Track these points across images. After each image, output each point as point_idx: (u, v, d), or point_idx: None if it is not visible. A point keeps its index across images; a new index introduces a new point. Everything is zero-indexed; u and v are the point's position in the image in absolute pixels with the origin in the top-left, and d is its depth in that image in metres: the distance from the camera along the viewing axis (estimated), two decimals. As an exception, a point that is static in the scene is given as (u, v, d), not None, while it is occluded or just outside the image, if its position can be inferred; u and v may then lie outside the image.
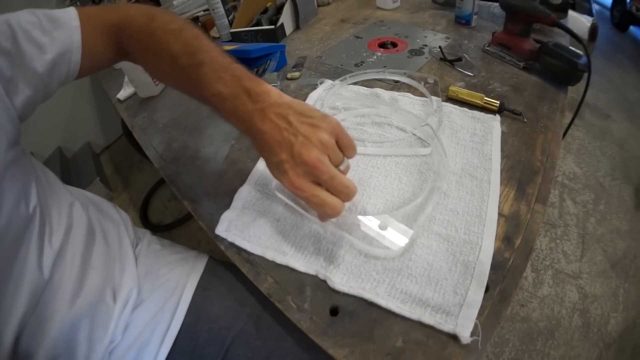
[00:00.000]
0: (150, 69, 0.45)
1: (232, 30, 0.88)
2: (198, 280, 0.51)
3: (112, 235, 0.52)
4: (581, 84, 0.62)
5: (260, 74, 0.68)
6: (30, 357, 0.39)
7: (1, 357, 0.37)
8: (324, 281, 0.38)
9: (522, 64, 0.67)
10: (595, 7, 2.25)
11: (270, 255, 0.41)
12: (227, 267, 0.54)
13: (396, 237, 0.39)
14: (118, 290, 0.47)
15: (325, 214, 0.34)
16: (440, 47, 0.73)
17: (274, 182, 0.42)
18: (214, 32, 0.96)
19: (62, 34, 0.39)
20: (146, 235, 0.57)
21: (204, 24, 0.94)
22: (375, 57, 0.77)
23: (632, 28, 2.86)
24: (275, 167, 0.34)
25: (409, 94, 0.63)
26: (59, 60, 0.39)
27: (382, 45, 0.82)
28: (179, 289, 0.50)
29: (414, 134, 0.55)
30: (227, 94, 0.35)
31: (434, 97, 0.60)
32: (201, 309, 0.49)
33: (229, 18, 0.90)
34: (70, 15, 0.40)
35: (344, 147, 0.35)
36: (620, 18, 2.86)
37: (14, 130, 0.36)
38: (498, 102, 0.57)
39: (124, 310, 0.46)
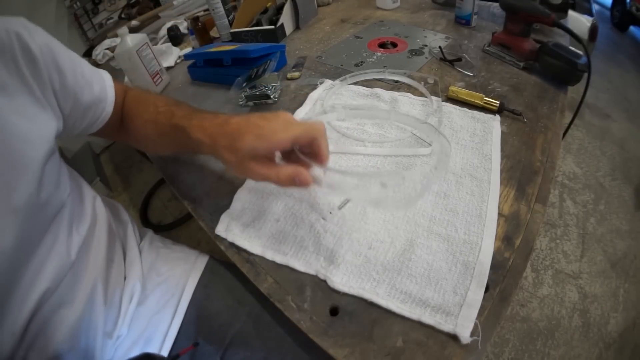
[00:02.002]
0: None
1: (232, 30, 0.88)
2: (199, 277, 0.52)
3: (121, 231, 0.54)
4: (581, 84, 0.62)
5: (260, 74, 0.68)
6: (43, 337, 0.38)
7: (14, 329, 0.36)
8: (324, 281, 0.38)
9: (522, 64, 0.67)
10: (595, 7, 2.25)
11: (270, 255, 0.41)
12: (227, 267, 0.54)
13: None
14: (126, 285, 0.48)
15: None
16: (440, 47, 0.73)
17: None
18: (214, 32, 0.96)
19: (100, 83, 0.45)
20: (148, 233, 0.58)
21: (204, 24, 0.94)
22: (375, 57, 0.77)
23: (632, 28, 2.85)
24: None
25: (409, 94, 0.63)
26: (96, 103, 0.44)
27: (382, 45, 0.82)
28: (180, 285, 0.51)
29: (414, 134, 0.55)
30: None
31: (434, 97, 0.60)
32: (201, 306, 0.49)
33: (229, 18, 0.90)
34: (105, 75, 0.47)
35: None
36: (620, 18, 2.86)
37: (60, 124, 0.40)
38: (498, 102, 0.57)
39: (129, 305, 0.47)
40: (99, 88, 0.44)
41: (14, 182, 0.33)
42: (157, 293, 0.50)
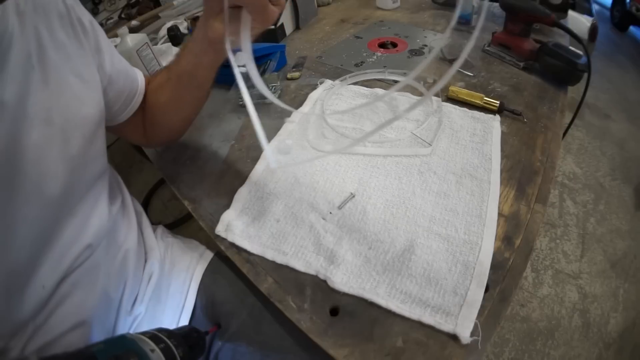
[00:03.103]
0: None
1: (232, 30, 0.88)
2: (207, 264, 0.53)
3: (139, 216, 0.56)
4: (581, 84, 0.62)
5: (260, 74, 0.68)
6: (71, 300, 0.39)
7: (47, 282, 0.36)
8: (324, 281, 0.38)
9: (522, 64, 0.67)
10: (595, 7, 2.25)
11: (270, 255, 0.41)
12: (230, 263, 0.54)
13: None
14: (146, 265, 0.51)
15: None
16: (441, 49, 0.73)
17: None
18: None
19: (132, 75, 0.48)
20: (159, 226, 0.60)
21: (204, 24, 0.94)
22: (375, 57, 0.77)
23: (632, 28, 2.85)
24: None
25: (409, 94, 0.63)
26: (127, 89, 0.46)
27: (382, 45, 0.82)
28: (190, 270, 0.52)
29: (414, 134, 0.55)
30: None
31: (434, 97, 0.60)
32: (210, 291, 0.50)
33: (229, 18, 0.89)
34: (137, 70, 0.50)
35: None
36: (620, 18, 2.86)
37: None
38: (498, 102, 0.57)
39: (148, 284, 0.49)
40: (132, 78, 0.47)
41: (69, 133, 0.35)
42: (170, 277, 0.52)
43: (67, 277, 0.38)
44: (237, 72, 0.35)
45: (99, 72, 0.41)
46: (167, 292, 0.50)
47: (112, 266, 0.44)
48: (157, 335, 0.31)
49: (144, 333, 0.30)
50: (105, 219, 0.43)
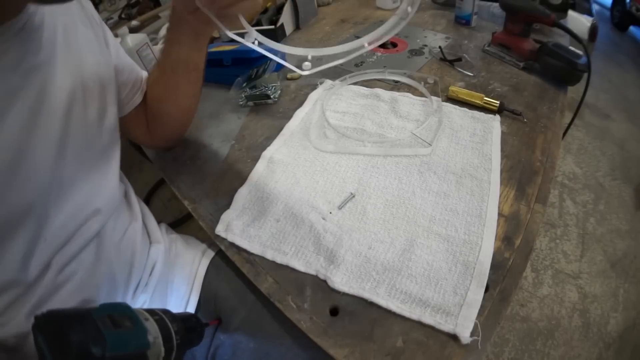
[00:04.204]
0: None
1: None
2: (211, 259, 0.54)
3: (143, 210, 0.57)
4: (581, 84, 0.62)
5: (260, 74, 0.68)
6: (78, 276, 0.40)
7: (57, 240, 0.38)
8: (324, 281, 0.38)
9: (522, 64, 0.67)
10: (595, 7, 2.25)
11: (270, 255, 0.41)
12: (231, 262, 0.54)
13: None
14: (150, 253, 0.52)
15: None
16: (440, 47, 0.73)
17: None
18: (214, 32, 0.96)
19: (136, 72, 0.51)
20: (162, 224, 0.60)
21: (204, 24, 0.94)
22: (375, 57, 0.77)
23: (632, 28, 2.85)
24: None
25: (409, 94, 0.63)
26: (130, 83, 0.49)
27: (382, 45, 0.81)
28: (195, 264, 0.53)
29: (414, 134, 0.55)
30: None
31: (434, 97, 0.60)
32: (213, 286, 0.51)
33: (229, 18, 0.89)
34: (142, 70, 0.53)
35: None
36: (620, 18, 2.86)
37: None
38: (498, 102, 0.57)
39: (151, 274, 0.50)
40: (136, 72, 0.51)
41: (88, 100, 0.40)
42: (175, 269, 0.52)
43: (73, 247, 0.39)
44: (258, 47, 0.36)
45: (110, 59, 0.45)
46: (172, 285, 0.50)
47: (118, 245, 0.45)
48: (153, 310, 0.32)
49: (141, 308, 0.31)
50: (115, 191, 0.46)
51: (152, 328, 0.29)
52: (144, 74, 0.53)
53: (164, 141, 0.59)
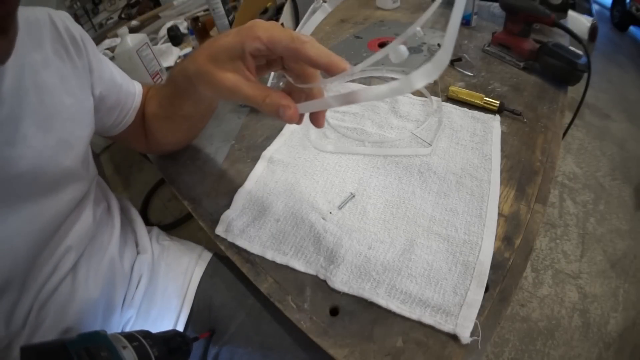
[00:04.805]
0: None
1: (232, 30, 0.88)
2: (205, 267, 0.53)
3: (131, 220, 0.56)
4: (581, 84, 0.62)
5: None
6: (55, 305, 0.39)
7: (36, 285, 0.37)
8: (324, 281, 0.38)
9: (522, 64, 0.67)
10: (595, 7, 2.25)
11: (270, 255, 0.41)
12: (229, 263, 0.54)
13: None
14: (135, 268, 0.50)
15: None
16: (439, 44, 0.73)
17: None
18: (214, 32, 0.96)
19: (129, 89, 0.47)
20: (154, 228, 0.59)
21: (204, 24, 0.94)
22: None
23: (632, 28, 2.85)
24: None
25: (409, 94, 0.63)
26: (120, 105, 0.46)
27: (382, 45, 0.81)
28: (188, 274, 0.52)
29: (414, 134, 0.55)
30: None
31: (433, 97, 0.60)
32: (207, 296, 0.50)
33: (229, 18, 0.90)
34: (136, 83, 0.49)
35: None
36: (620, 18, 2.86)
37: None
38: (498, 102, 0.57)
39: (137, 287, 0.48)
40: (125, 92, 0.46)
41: (61, 153, 0.36)
42: (165, 281, 0.51)
43: (48, 282, 0.39)
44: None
45: (91, 92, 0.41)
46: (163, 296, 0.49)
47: (96, 271, 0.43)
48: (133, 335, 0.31)
49: (121, 333, 0.31)
50: (89, 223, 0.44)
51: (129, 357, 0.28)
52: (138, 88, 0.49)
53: (163, 152, 0.58)
